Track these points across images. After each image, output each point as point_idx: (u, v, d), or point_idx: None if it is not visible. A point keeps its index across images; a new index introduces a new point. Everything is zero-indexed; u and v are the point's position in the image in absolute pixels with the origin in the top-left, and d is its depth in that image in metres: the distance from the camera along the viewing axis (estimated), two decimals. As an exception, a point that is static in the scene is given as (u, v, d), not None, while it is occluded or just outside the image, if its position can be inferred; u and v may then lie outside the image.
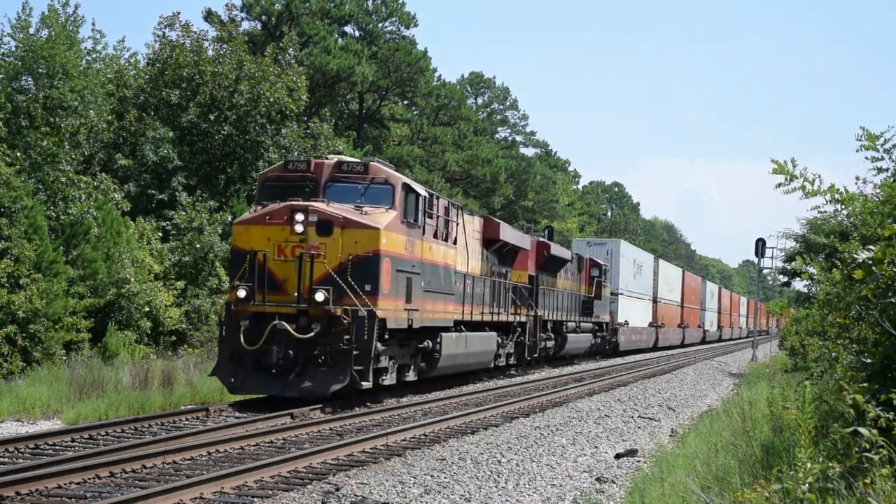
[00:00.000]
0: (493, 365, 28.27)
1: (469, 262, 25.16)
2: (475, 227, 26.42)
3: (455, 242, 23.66)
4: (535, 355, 32.91)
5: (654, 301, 58.60)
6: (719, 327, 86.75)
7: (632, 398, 24.71)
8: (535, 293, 32.56)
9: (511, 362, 30.69)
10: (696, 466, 10.47)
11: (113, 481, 11.06)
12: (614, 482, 12.50)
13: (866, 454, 6.50)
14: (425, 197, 21.03)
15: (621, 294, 48.72)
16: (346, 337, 17.80)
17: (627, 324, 49.29)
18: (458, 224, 24.12)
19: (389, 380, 20.06)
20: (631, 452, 15.11)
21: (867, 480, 6.29)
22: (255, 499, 10.57)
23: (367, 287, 18.18)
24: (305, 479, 11.65)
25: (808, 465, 6.77)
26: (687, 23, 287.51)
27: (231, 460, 12.69)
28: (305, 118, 39.30)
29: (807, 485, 6.56)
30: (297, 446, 14.06)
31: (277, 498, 10.61)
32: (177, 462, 12.32)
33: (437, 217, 22.15)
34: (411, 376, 21.59)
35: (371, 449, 14.17)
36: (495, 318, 27.36)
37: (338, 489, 11.03)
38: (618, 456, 14.98)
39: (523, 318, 30.58)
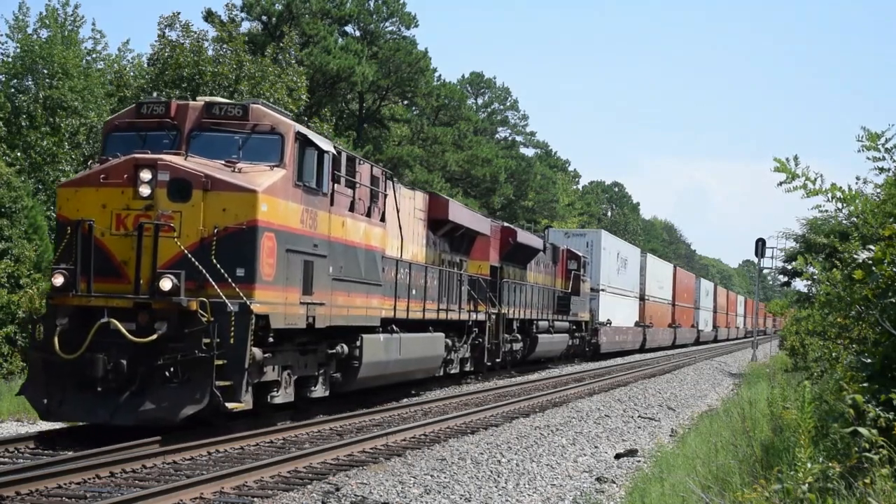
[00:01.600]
0: (441, 373, 24.03)
1: (407, 246, 20.94)
2: (417, 205, 22.18)
3: (383, 219, 19.11)
4: (498, 360, 28.94)
5: (642, 299, 55.13)
6: (715, 327, 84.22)
7: (632, 398, 24.72)
8: (499, 287, 28.88)
9: (467, 369, 26.55)
10: (696, 466, 10.47)
11: (113, 481, 11.06)
12: (614, 482, 12.50)
13: (866, 454, 6.51)
14: (332, 155, 16.22)
15: (603, 290, 45.41)
16: (206, 341, 13.10)
17: (610, 323, 45.74)
18: (388, 197, 19.53)
19: (283, 396, 15.38)
20: (631, 452, 15.11)
21: (867, 480, 6.29)
22: (255, 499, 10.57)
23: (240, 272, 13.58)
24: (305, 479, 11.65)
25: (808, 465, 6.77)
26: (687, 23, 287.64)
27: (231, 460, 12.69)
28: (306, 118, 39.30)
29: (807, 485, 6.56)
30: (297, 446, 14.05)
31: (277, 498, 10.61)
32: (177, 462, 12.32)
33: (359, 186, 17.63)
34: (319, 391, 16.79)
35: (371, 449, 14.17)
36: (444, 315, 23.31)
37: (338, 489, 11.03)
38: (618, 456, 14.98)
39: (482, 316, 26.70)
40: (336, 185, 16.46)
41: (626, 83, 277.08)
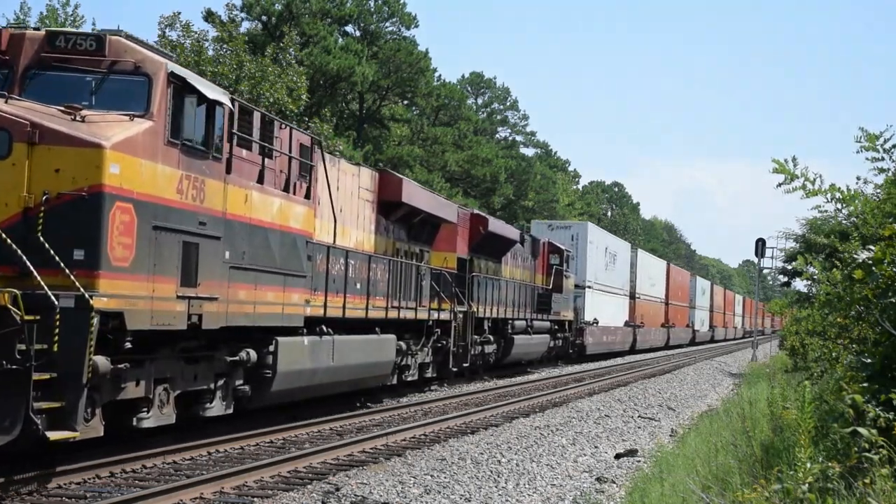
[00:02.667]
0: (395, 380, 20.62)
1: (349, 231, 17.86)
2: (363, 184, 18.76)
3: (309, 196, 15.70)
4: (467, 364, 25.71)
5: (632, 297, 52.26)
6: (712, 327, 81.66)
7: (632, 398, 24.73)
8: (468, 282, 25.86)
9: (430, 375, 23.12)
10: (696, 466, 10.46)
11: (113, 481, 11.05)
12: (614, 482, 12.50)
13: (866, 454, 6.50)
14: (228, 109, 12.80)
15: (589, 287, 42.48)
16: (21, 347, 9.64)
17: (597, 322, 42.69)
18: (320, 170, 16.16)
19: (158, 418, 12.11)
20: (631, 452, 15.11)
21: (867, 480, 6.29)
22: (255, 499, 10.57)
23: (78, 254, 10.38)
24: (305, 479, 11.65)
25: (808, 465, 6.76)
26: (687, 22, 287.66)
27: (231, 460, 12.69)
28: (306, 118, 39.31)
29: (807, 485, 6.55)
30: (297, 446, 14.06)
31: (277, 498, 10.61)
32: (177, 462, 12.32)
33: (277, 155, 14.54)
34: (217, 409, 13.47)
35: (371, 449, 14.17)
36: (395, 314, 19.62)
37: (338, 489, 11.04)
38: (618, 456, 14.98)
39: (446, 315, 23.12)
40: (237, 148, 13.10)
41: (626, 83, 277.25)
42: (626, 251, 51.96)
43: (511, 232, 30.68)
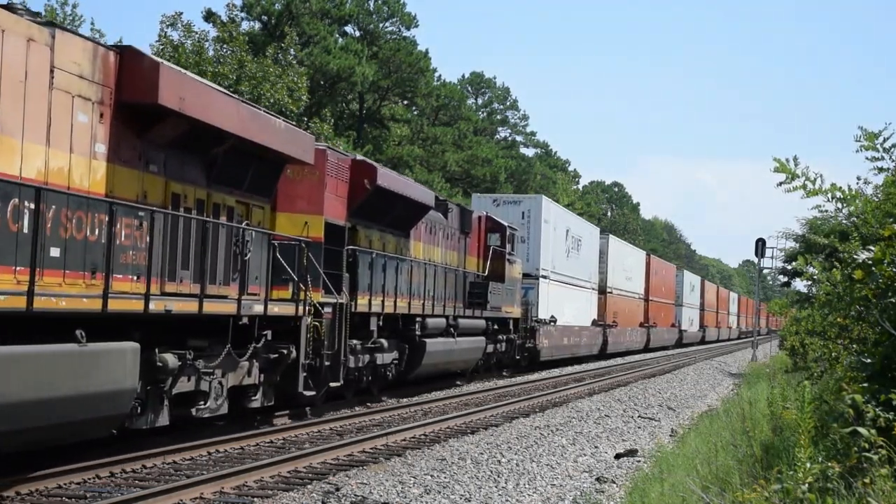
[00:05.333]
0: (140, 424, 12.08)
1: (33, 153, 10.20)
2: (65, 62, 10.69)
3: None
4: (337, 382, 17.44)
5: (602, 291, 44.78)
6: (702, 327, 75.03)
7: (632, 398, 24.73)
8: (351, 261, 18.44)
9: (258, 403, 14.88)
10: (696, 466, 10.46)
11: (113, 481, 11.06)
12: (614, 482, 12.50)
13: (866, 454, 6.50)
14: None
15: (545, 277, 34.97)
16: None
17: (555, 321, 35.31)
18: None
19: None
20: (631, 452, 15.11)
21: (866, 480, 6.29)
22: (255, 499, 10.57)
23: None
24: (305, 479, 11.65)
25: (808, 465, 6.76)
26: (688, 22, 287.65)
27: (231, 460, 12.69)
28: (306, 118, 39.33)
29: (806, 485, 6.55)
30: (297, 446, 14.06)
31: (277, 498, 10.61)
32: (177, 462, 12.32)
33: None
34: None
35: (371, 449, 14.17)
36: (160, 305, 11.83)
37: (338, 489, 11.04)
38: (618, 456, 14.98)
39: (286, 310, 15.12)
40: None
41: (626, 83, 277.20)
42: (593, 236, 44.13)
43: (420, 193, 21.91)
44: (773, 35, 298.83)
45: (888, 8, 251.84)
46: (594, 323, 42.55)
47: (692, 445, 13.00)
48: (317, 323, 16.45)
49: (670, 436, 17.35)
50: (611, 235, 48.96)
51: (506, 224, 29.04)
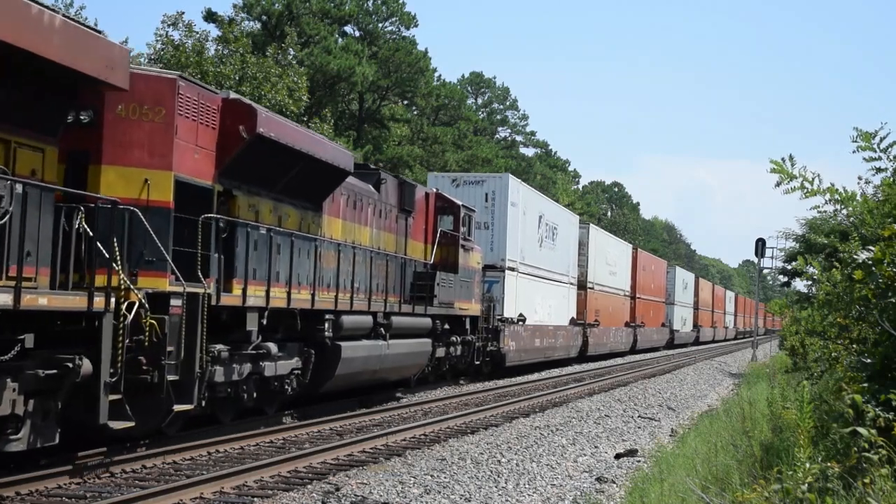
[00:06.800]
0: None
1: None
2: None
3: None
4: (189, 406, 12.55)
5: (582, 287, 40.24)
6: (696, 327, 71.12)
7: (632, 398, 24.73)
8: (226, 237, 13.96)
9: (23, 445, 9.94)
10: (696, 466, 10.47)
11: (113, 481, 11.06)
12: (614, 482, 12.50)
13: (865, 454, 6.51)
14: None
15: (512, 269, 30.30)
16: None
17: (523, 320, 30.95)
18: None
19: None
20: (631, 452, 15.11)
21: (866, 480, 6.29)
22: (255, 499, 10.58)
23: None
24: (305, 479, 11.66)
25: (808, 465, 6.77)
26: (688, 22, 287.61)
27: (231, 460, 12.69)
28: (306, 118, 39.34)
29: (806, 485, 6.56)
30: (297, 446, 14.06)
31: (277, 498, 10.62)
32: (177, 462, 12.32)
33: None
34: None
35: (371, 449, 14.18)
36: None
37: (338, 489, 11.05)
38: (618, 456, 14.98)
39: (76, 303, 10.35)
40: None
41: (626, 83, 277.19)
42: (572, 224, 39.60)
43: (333, 153, 16.70)
44: (773, 35, 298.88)
45: (888, 8, 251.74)
46: (572, 322, 38.28)
47: (692, 445, 13.00)
48: (153, 321, 11.77)
49: (670, 436, 17.35)
50: (592, 225, 44.09)
51: (460, 203, 24.53)
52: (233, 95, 14.47)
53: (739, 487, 8.05)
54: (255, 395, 15.02)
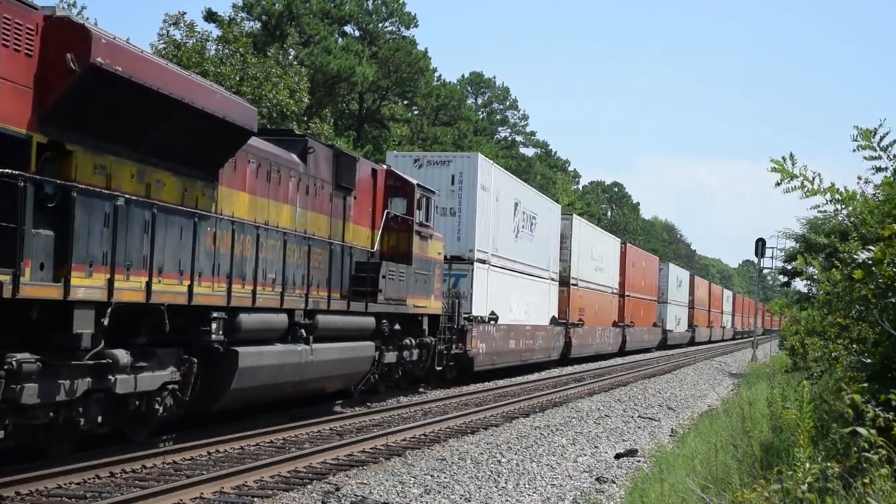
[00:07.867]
0: None
1: None
2: None
3: None
4: None
5: (565, 283, 37.35)
6: (691, 327, 68.48)
7: (632, 398, 24.74)
8: (58, 206, 10.38)
9: None
10: (696, 466, 10.47)
11: (113, 481, 11.06)
12: (614, 482, 12.50)
13: (865, 454, 6.50)
14: None
15: (482, 262, 27.13)
16: None
17: (495, 320, 27.85)
18: None
19: None
20: (631, 452, 15.11)
21: (866, 480, 6.29)
22: (255, 499, 10.58)
23: None
24: (305, 479, 11.66)
25: (808, 465, 6.77)
26: (688, 22, 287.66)
27: (231, 460, 12.69)
28: (306, 118, 39.34)
29: (806, 485, 6.56)
30: (297, 446, 14.06)
31: (277, 498, 10.62)
32: (176, 462, 12.32)
33: None
34: None
35: (371, 449, 14.18)
36: None
37: (338, 489, 11.05)
38: (618, 456, 14.98)
39: None
40: None
41: (626, 83, 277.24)
42: (553, 215, 35.94)
43: (225, 106, 13.05)
44: (773, 35, 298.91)
45: (888, 8, 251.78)
46: (554, 321, 35.04)
47: (692, 445, 13.00)
48: None
49: (670, 436, 17.35)
50: (576, 216, 40.51)
51: (415, 182, 21.09)
52: (59, 13, 10.58)
53: (739, 487, 8.05)
54: (99, 418, 11.35)
